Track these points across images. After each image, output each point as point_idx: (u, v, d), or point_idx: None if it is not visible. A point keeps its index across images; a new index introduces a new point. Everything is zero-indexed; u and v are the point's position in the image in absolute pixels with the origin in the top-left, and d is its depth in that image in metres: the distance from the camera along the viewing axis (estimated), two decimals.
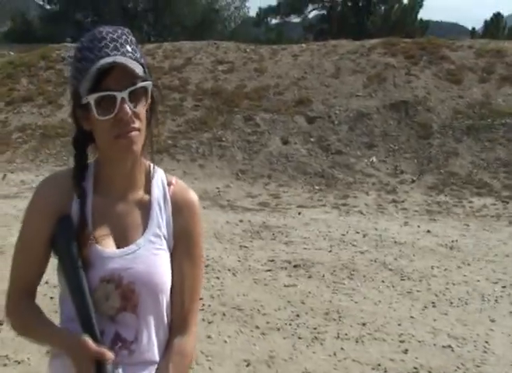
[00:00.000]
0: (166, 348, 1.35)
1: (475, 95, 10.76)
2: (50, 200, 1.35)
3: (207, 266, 5.18)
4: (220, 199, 8.46)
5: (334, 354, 3.74)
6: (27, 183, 9.24)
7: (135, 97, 1.25)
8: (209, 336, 3.93)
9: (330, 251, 5.98)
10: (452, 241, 6.40)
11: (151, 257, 1.33)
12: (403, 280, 5.18)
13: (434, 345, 3.89)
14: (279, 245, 6.14)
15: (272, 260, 5.60)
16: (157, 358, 1.34)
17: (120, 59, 1.22)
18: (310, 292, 4.80)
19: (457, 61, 11.95)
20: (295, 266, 5.41)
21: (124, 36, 1.28)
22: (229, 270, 5.27)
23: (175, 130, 11.32)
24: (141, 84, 1.26)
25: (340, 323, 4.21)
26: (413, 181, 8.94)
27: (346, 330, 4.09)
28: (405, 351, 3.80)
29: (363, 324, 4.20)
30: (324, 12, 37.08)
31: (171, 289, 1.35)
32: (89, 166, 1.37)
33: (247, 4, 61.84)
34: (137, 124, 1.27)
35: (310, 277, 5.17)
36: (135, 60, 1.27)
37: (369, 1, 36.53)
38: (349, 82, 12.40)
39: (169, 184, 1.41)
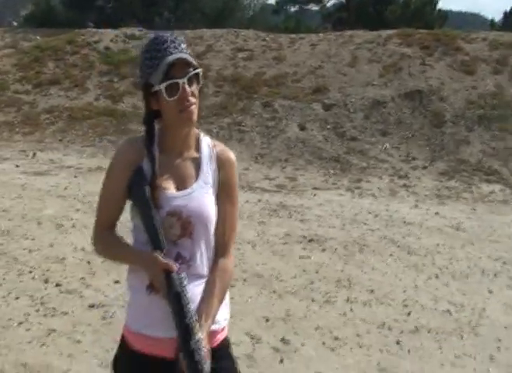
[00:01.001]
0: (213, 266, 1.80)
1: (488, 86, 11.06)
2: (128, 157, 1.80)
3: None
4: (240, 180, 8.85)
5: (344, 314, 4.18)
6: (56, 162, 9.74)
7: (190, 81, 1.73)
8: (232, 298, 4.36)
9: (342, 228, 6.40)
10: (458, 222, 6.78)
11: (202, 198, 1.79)
12: (409, 255, 5.60)
13: (435, 309, 4.32)
14: (295, 222, 6.57)
15: (288, 235, 6.04)
16: (206, 272, 1.79)
17: (181, 55, 1.70)
18: (323, 263, 5.23)
19: (471, 53, 12.24)
20: (309, 241, 5.85)
21: (177, 38, 1.75)
22: (248, 242, 5.71)
23: None
24: (195, 71, 1.72)
25: (350, 289, 4.65)
26: (425, 167, 9.31)
27: (355, 295, 4.53)
28: (408, 314, 4.23)
29: (371, 291, 4.64)
30: (343, 0, 37.15)
31: (216, 222, 1.80)
32: (155, 134, 1.82)
33: None
34: (194, 100, 1.74)
35: (323, 250, 5.60)
36: (188, 54, 1.73)
37: None
38: (365, 71, 12.74)
39: (213, 146, 1.86)
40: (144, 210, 1.74)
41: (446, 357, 3.63)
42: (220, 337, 1.84)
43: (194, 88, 1.74)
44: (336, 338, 3.80)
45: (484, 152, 9.49)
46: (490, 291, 4.75)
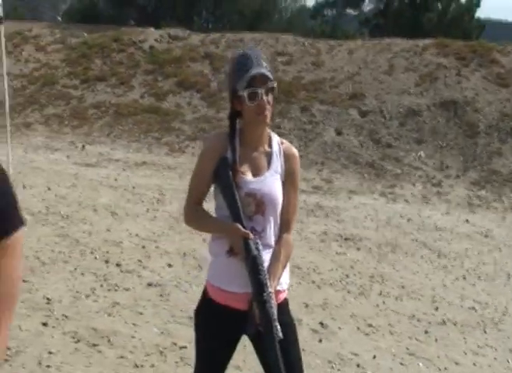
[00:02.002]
0: (278, 239, 2.24)
1: None
2: (215, 148, 2.25)
3: None
4: None
5: (377, 306, 4.58)
6: (104, 155, 10.30)
7: (267, 91, 2.18)
8: None
9: (376, 230, 6.77)
10: (487, 230, 7.10)
11: (272, 184, 2.23)
12: (439, 257, 5.95)
13: (461, 306, 4.68)
14: (332, 222, 6.97)
15: (325, 233, 6.44)
16: (273, 244, 2.22)
17: (262, 70, 2.16)
18: (358, 260, 5.63)
19: (506, 65, 12.45)
20: (345, 239, 6.24)
21: (260, 56, 2.21)
22: None
23: None
24: (272, 85, 2.18)
25: (383, 285, 5.04)
26: (458, 176, 9.61)
27: (388, 290, 4.91)
28: (436, 309, 4.60)
29: (402, 287, 5.02)
30: (381, 6, 37.34)
31: (282, 204, 2.24)
32: (237, 130, 2.26)
33: None
34: (268, 107, 2.19)
35: (358, 248, 6.00)
36: (268, 70, 2.18)
37: None
38: (402, 79, 13.03)
39: (281, 143, 2.31)
40: (228, 190, 2.18)
41: (469, 347, 4.00)
42: (282, 297, 2.27)
43: (270, 97, 2.19)
44: (370, 325, 4.20)
45: None
46: None
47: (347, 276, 5.15)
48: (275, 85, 2.20)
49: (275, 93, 2.23)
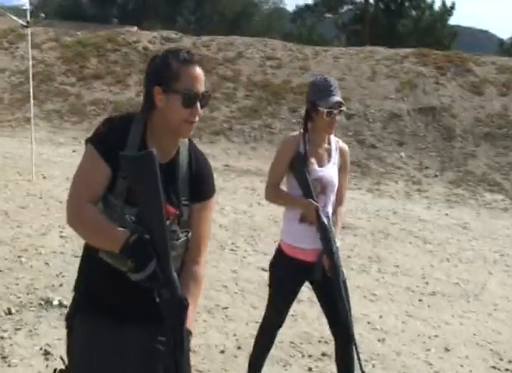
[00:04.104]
0: (334, 209, 3.03)
1: (495, 106, 12.31)
2: (291, 145, 3.02)
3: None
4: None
5: (377, 280, 5.41)
6: None
7: (338, 113, 2.92)
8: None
9: (368, 221, 7.61)
10: (465, 222, 8.01)
11: (332, 172, 3.02)
12: (425, 244, 6.82)
13: (447, 281, 5.55)
14: None
15: None
16: (331, 214, 3.00)
17: (340, 99, 2.92)
18: (356, 244, 6.46)
19: (480, 75, 13.48)
20: (342, 228, 7.04)
21: (335, 84, 2.97)
22: None
23: (229, 116, 12.99)
24: (342, 108, 2.94)
25: (380, 264, 5.88)
26: (436, 176, 10.54)
27: (385, 268, 5.75)
28: (426, 283, 5.46)
29: (397, 266, 5.86)
30: (358, 12, 38.35)
31: (337, 187, 3.03)
32: (308, 131, 3.03)
33: (284, 0, 63.87)
34: (335, 120, 2.94)
35: (355, 235, 6.83)
36: (340, 96, 2.94)
37: (401, 5, 37.59)
38: (384, 86, 13.97)
39: (337, 141, 3.10)
40: (302, 175, 2.96)
41: (456, 312, 4.85)
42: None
43: (338, 117, 2.95)
44: (373, 294, 5.03)
45: (488, 166, 10.73)
46: (490, 273, 5.97)
47: (348, 257, 5.96)
48: (344, 108, 2.97)
49: (342, 114, 3.00)
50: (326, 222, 2.88)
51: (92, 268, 1.93)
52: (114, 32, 17.48)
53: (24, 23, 8.11)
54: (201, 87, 1.85)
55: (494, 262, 6.36)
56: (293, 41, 19.33)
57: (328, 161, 3.04)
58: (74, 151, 10.60)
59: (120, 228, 1.77)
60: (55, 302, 4.10)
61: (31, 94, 8.32)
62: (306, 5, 36.22)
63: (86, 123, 12.86)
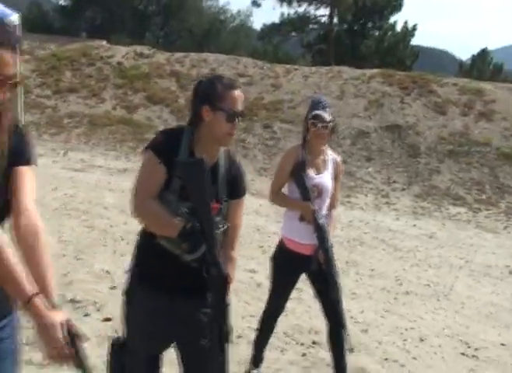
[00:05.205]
0: (328, 213, 3.47)
1: (457, 125, 13.08)
2: (292, 156, 3.47)
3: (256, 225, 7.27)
4: (248, 189, 10.53)
5: (356, 281, 5.88)
6: (87, 162, 11.22)
7: (329, 125, 3.39)
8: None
9: (342, 230, 8.10)
10: (431, 232, 8.58)
11: (328, 180, 3.48)
12: (396, 251, 7.34)
13: (419, 283, 6.05)
14: None
15: None
16: (325, 216, 3.45)
17: (320, 112, 3.37)
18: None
19: (443, 96, 14.27)
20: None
21: (325, 102, 3.46)
22: (274, 233, 7.35)
23: None
24: (331, 124, 3.41)
25: (357, 267, 6.35)
26: (403, 189, 11.16)
27: (362, 271, 6.23)
28: (400, 284, 5.95)
29: (372, 269, 6.35)
30: (322, 31, 39.43)
31: (331, 192, 3.49)
32: (306, 144, 3.48)
33: (251, 18, 64.93)
34: (324, 135, 3.41)
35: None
36: (328, 113, 3.40)
37: (364, 26, 38.74)
38: (352, 104, 14.63)
39: (332, 153, 3.56)
40: (301, 181, 3.41)
41: (428, 309, 5.35)
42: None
43: (325, 131, 3.39)
44: (354, 293, 5.49)
45: (452, 181, 11.41)
46: (457, 277, 6.51)
47: None
48: (331, 124, 3.41)
49: (329, 128, 3.42)
50: (321, 223, 3.33)
51: (150, 253, 2.33)
52: (88, 46, 17.76)
53: None
54: (241, 106, 2.30)
55: (460, 267, 6.91)
56: (260, 58, 19.94)
57: (324, 170, 3.50)
58: (54, 162, 10.82)
59: (177, 218, 2.19)
60: (68, 298, 4.42)
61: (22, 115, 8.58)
62: (273, 24, 37.01)
63: (64, 135, 13.09)
